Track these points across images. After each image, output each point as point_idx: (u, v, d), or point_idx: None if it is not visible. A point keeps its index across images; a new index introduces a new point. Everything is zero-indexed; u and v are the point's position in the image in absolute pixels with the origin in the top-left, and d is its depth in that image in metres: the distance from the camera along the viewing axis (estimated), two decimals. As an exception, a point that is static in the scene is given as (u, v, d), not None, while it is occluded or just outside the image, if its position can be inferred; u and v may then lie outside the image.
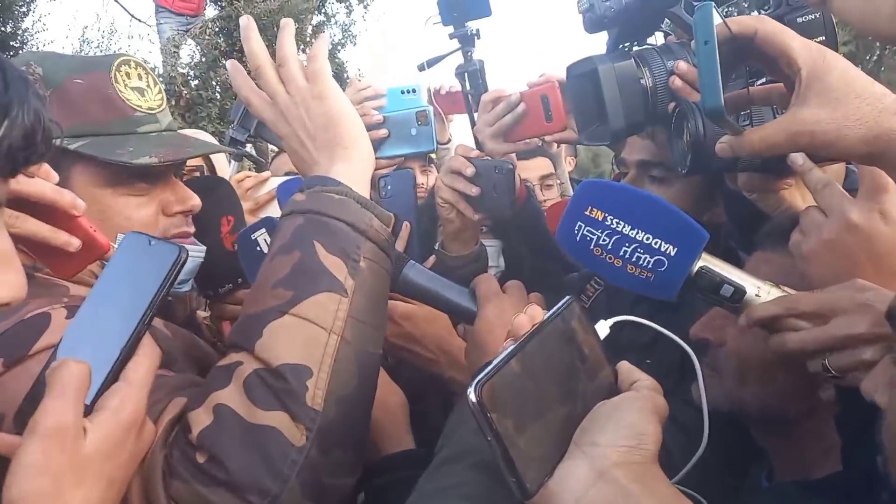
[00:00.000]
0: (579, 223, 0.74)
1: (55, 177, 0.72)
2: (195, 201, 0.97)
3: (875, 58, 8.30)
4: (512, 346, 0.56)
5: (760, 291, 0.73)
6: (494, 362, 0.53)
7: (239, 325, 0.67)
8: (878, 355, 0.64)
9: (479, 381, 0.51)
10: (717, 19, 0.67)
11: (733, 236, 1.22)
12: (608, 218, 0.72)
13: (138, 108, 0.92)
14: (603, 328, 0.68)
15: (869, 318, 0.65)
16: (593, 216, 0.73)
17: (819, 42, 0.88)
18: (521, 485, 0.52)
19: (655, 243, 0.71)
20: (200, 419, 0.60)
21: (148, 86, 0.95)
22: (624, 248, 0.72)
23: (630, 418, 0.57)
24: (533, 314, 0.64)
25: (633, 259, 0.72)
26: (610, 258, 0.73)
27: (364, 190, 0.73)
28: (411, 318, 1.01)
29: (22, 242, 0.70)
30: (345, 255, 0.66)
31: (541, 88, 1.13)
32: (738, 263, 1.16)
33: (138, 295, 0.60)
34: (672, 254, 0.71)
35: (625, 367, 0.66)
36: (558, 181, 2.03)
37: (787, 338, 0.70)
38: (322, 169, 0.73)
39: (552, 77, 1.13)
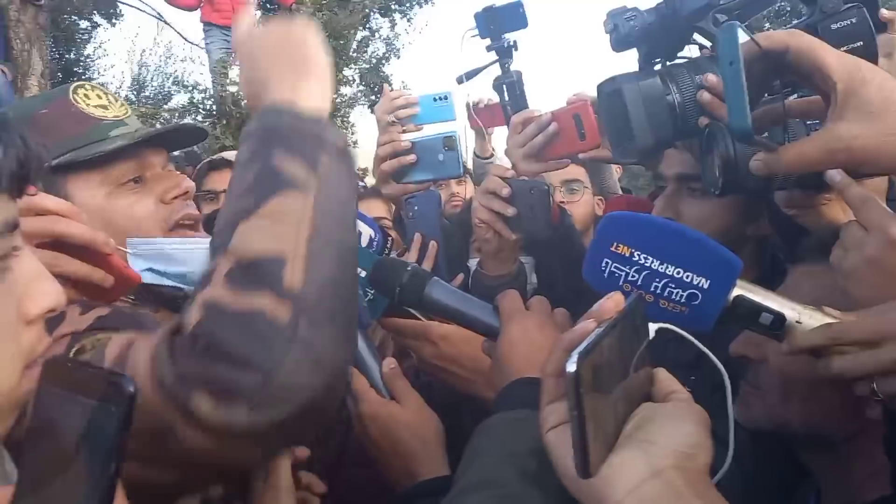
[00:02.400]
0: (606, 259, 0.72)
1: (84, 216, 0.80)
2: (189, 183, 1.01)
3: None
4: (602, 328, 0.57)
5: (802, 317, 0.69)
6: (589, 340, 0.54)
7: (214, 237, 0.70)
8: None
9: (580, 353, 0.52)
10: (743, 37, 0.66)
11: (779, 248, 1.19)
12: (635, 253, 0.70)
13: (104, 117, 0.98)
14: (651, 331, 0.67)
15: None
16: (620, 252, 0.71)
17: (857, 48, 0.85)
18: (586, 464, 0.53)
19: (687, 277, 0.69)
20: (193, 316, 0.64)
21: (109, 102, 1.01)
22: (654, 284, 0.70)
23: (689, 427, 0.58)
24: (617, 300, 0.63)
25: (665, 294, 0.70)
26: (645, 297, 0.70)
27: (321, 104, 0.75)
28: (448, 338, 1.02)
29: (63, 281, 0.76)
30: (303, 154, 0.69)
31: (573, 107, 1.13)
32: (784, 275, 1.14)
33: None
34: (705, 286, 0.69)
35: (663, 374, 0.65)
36: (585, 188, 1.99)
37: (833, 363, 0.67)
38: (277, 92, 0.75)
39: (584, 96, 1.12)
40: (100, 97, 1.01)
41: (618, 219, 0.74)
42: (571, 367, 0.51)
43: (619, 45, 0.94)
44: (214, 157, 2.29)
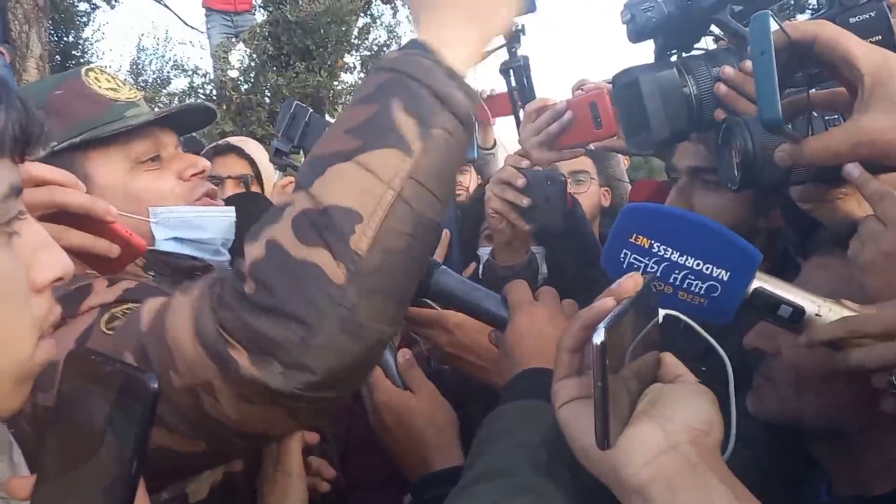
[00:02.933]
0: (625, 251, 0.71)
1: (83, 186, 0.79)
2: (205, 162, 1.02)
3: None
4: (623, 306, 0.58)
5: (821, 310, 0.69)
6: (613, 314, 0.55)
7: (305, 166, 0.69)
8: None
9: (607, 325, 0.53)
10: (773, 26, 0.66)
11: (791, 241, 1.19)
12: (655, 245, 0.70)
13: (118, 99, 0.99)
14: (660, 314, 0.68)
15: None
16: (639, 244, 0.70)
17: (875, 42, 0.85)
18: (606, 435, 0.54)
19: (706, 269, 0.69)
20: (254, 251, 0.63)
21: (118, 85, 1.02)
22: (674, 276, 0.70)
23: (704, 406, 0.59)
24: (637, 280, 0.63)
25: (685, 286, 0.70)
26: (660, 285, 0.70)
27: (465, 65, 0.70)
28: (463, 326, 1.02)
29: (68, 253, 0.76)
30: (419, 116, 0.66)
31: (590, 95, 1.13)
32: (796, 268, 1.14)
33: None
34: (725, 279, 0.69)
35: (670, 358, 0.66)
36: (592, 178, 1.98)
37: (851, 355, 0.68)
38: (430, 31, 0.71)
39: (600, 84, 1.12)
40: (109, 80, 1.02)
41: (638, 210, 0.73)
42: (599, 338, 0.52)
43: (635, 36, 0.93)
44: (219, 142, 2.28)
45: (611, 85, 1.03)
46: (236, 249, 1.04)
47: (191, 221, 0.98)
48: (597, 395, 0.54)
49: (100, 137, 0.94)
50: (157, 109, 1.03)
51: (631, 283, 0.63)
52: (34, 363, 0.56)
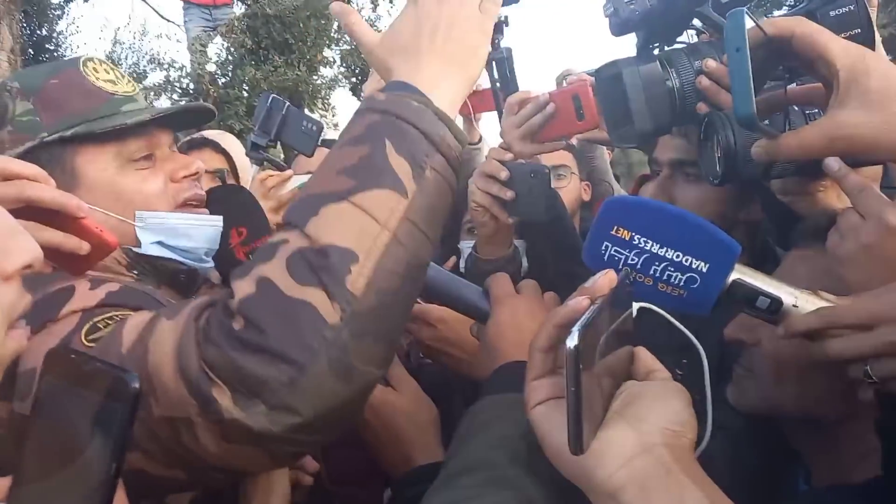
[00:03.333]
0: (606, 243, 0.72)
1: (53, 182, 0.77)
2: (199, 164, 1.00)
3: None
4: (598, 305, 0.58)
5: (798, 301, 0.70)
6: (587, 316, 0.55)
7: (296, 204, 0.67)
8: None
9: (581, 328, 0.53)
10: (749, 23, 0.66)
11: (771, 233, 1.20)
12: (635, 237, 0.71)
13: (115, 92, 0.96)
14: (634, 308, 0.69)
15: None
16: (620, 235, 0.71)
17: (854, 34, 0.86)
18: (579, 440, 0.53)
19: (686, 260, 0.70)
20: (243, 288, 0.62)
21: (117, 77, 1.00)
22: (654, 267, 0.70)
23: (677, 405, 0.59)
24: (611, 277, 0.64)
25: (664, 277, 0.70)
26: (640, 277, 0.71)
27: (451, 107, 0.71)
28: (446, 320, 1.02)
29: None
30: (412, 158, 0.66)
31: (572, 88, 1.13)
32: (775, 260, 1.15)
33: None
34: (704, 270, 0.69)
35: (643, 353, 0.66)
36: (572, 173, 1.99)
37: (828, 346, 0.69)
38: (412, 75, 0.71)
39: (584, 76, 1.12)
40: (107, 72, 0.99)
41: (619, 202, 0.74)
42: (572, 342, 0.52)
43: (618, 29, 0.93)
44: (194, 135, 2.24)
45: (593, 78, 1.03)
46: (219, 255, 1.03)
47: (176, 229, 0.96)
48: (569, 400, 0.53)
49: (94, 133, 0.91)
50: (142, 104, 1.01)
51: (605, 280, 0.63)
52: (3, 354, 0.55)
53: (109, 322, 0.72)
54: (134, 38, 10.72)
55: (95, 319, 0.73)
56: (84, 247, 0.78)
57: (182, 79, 8.40)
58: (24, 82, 0.94)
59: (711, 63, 0.87)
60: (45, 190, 0.75)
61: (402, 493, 0.89)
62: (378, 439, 0.94)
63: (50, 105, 0.92)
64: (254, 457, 0.64)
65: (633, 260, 0.71)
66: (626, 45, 0.99)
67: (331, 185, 0.65)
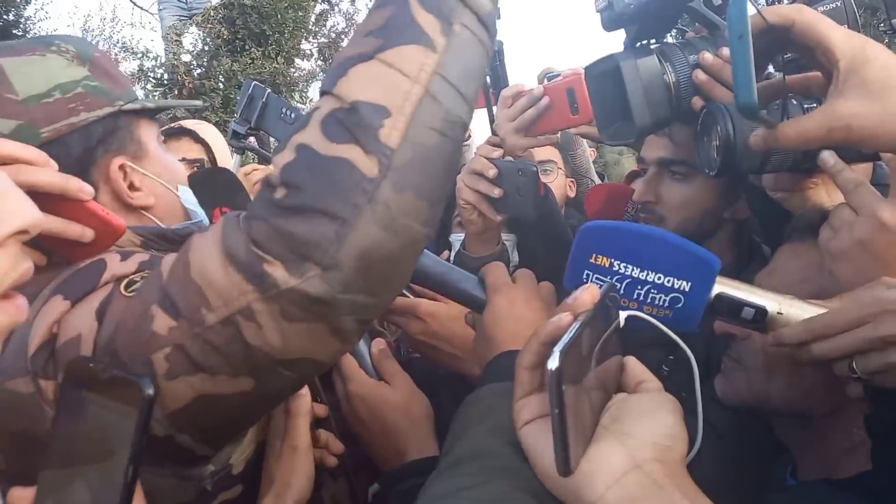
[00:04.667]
0: (587, 272, 0.71)
1: (54, 164, 0.74)
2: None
3: (885, 44, 8.18)
4: (581, 322, 0.56)
5: (782, 307, 0.71)
6: (569, 334, 0.54)
7: (329, 72, 0.68)
8: None
9: (562, 349, 0.52)
10: (751, 10, 0.66)
11: (757, 231, 1.21)
12: (615, 263, 0.70)
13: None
14: (621, 319, 0.68)
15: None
16: (600, 263, 0.71)
17: (841, 30, 0.87)
18: (566, 462, 0.53)
19: (668, 282, 0.69)
20: (284, 158, 0.63)
21: None
22: (637, 291, 0.70)
23: (667, 419, 0.59)
24: (593, 292, 0.63)
25: (648, 300, 0.70)
26: (624, 302, 0.70)
27: None
28: (436, 315, 1.01)
29: (39, 239, 0.71)
30: (439, 13, 0.66)
31: (567, 81, 1.12)
32: (762, 257, 1.16)
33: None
34: (687, 289, 0.69)
35: (633, 363, 0.66)
36: (559, 168, 1.99)
37: (813, 348, 0.69)
38: None
39: (578, 69, 1.11)
40: None
41: (594, 230, 0.73)
42: (553, 363, 0.51)
43: (611, 23, 0.93)
44: (173, 125, 2.22)
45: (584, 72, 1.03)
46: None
47: (196, 210, 0.98)
48: (554, 423, 0.52)
49: (148, 108, 0.93)
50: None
51: (587, 296, 0.62)
52: None
53: (145, 275, 0.72)
54: (105, 25, 10.51)
55: (132, 277, 0.72)
56: (87, 234, 0.75)
57: (156, 69, 8.24)
58: (77, 47, 0.91)
59: (708, 56, 0.87)
60: (45, 173, 0.72)
61: (395, 487, 0.88)
62: (370, 434, 0.93)
63: (104, 75, 0.91)
64: (317, 336, 0.63)
65: (615, 287, 0.70)
66: (614, 42, 0.98)
67: (358, 48, 0.66)
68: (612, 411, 0.60)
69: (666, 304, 0.70)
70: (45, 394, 0.67)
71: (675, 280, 0.69)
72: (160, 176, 0.92)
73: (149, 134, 0.94)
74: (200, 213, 0.99)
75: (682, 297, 0.69)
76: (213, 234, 0.64)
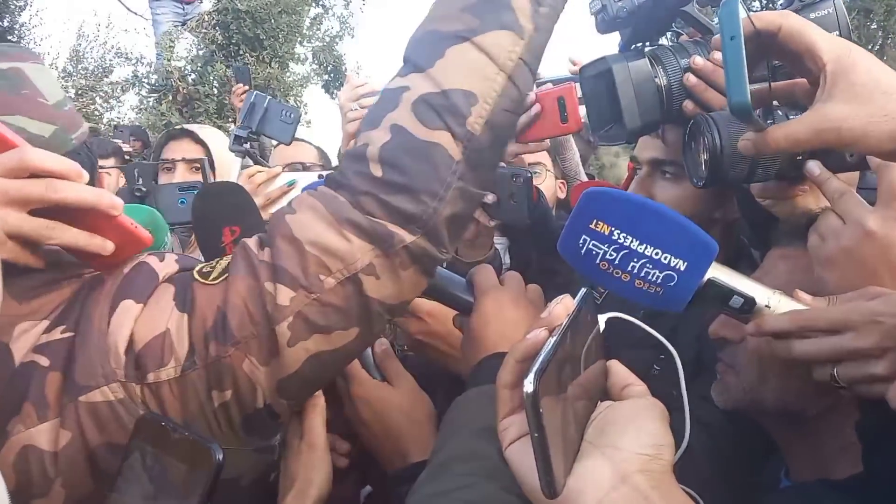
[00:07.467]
0: (584, 237, 0.70)
1: (86, 176, 0.74)
2: None
3: (877, 47, 8.25)
4: (556, 339, 0.56)
5: (771, 301, 0.71)
6: (544, 354, 0.53)
7: (420, 40, 0.73)
8: (890, 369, 0.64)
9: (536, 371, 0.51)
10: (741, 13, 0.66)
11: (746, 233, 1.22)
12: (615, 232, 0.69)
13: None
14: (601, 323, 0.68)
15: (879, 332, 0.65)
16: (599, 230, 0.70)
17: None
18: (552, 484, 0.52)
19: (665, 258, 0.69)
20: (379, 136, 0.70)
21: None
22: (632, 264, 0.69)
23: (651, 427, 0.58)
24: (567, 304, 0.63)
25: (642, 274, 0.69)
26: (617, 273, 0.70)
27: None
28: (434, 314, 1.01)
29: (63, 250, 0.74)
30: None
31: (558, 90, 1.13)
32: (750, 259, 1.16)
33: None
34: (682, 269, 0.69)
35: (617, 367, 0.66)
36: (548, 171, 2.00)
37: (795, 346, 0.70)
38: None
39: (570, 84, 1.12)
40: None
41: (600, 195, 0.72)
42: (529, 387, 0.50)
43: (605, 26, 0.94)
44: (175, 127, 2.27)
45: (578, 74, 1.03)
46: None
47: None
48: (535, 446, 0.52)
49: None
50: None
51: (561, 309, 0.62)
52: None
53: (213, 264, 0.74)
54: (99, 31, 10.48)
55: (200, 268, 0.74)
56: (108, 247, 0.75)
57: (150, 74, 8.23)
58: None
59: (699, 60, 0.88)
60: (75, 189, 0.71)
61: (398, 488, 0.88)
62: (372, 435, 0.93)
63: None
64: (416, 280, 0.73)
65: (611, 255, 0.70)
66: (608, 46, 0.99)
67: (455, 24, 0.70)
68: (596, 423, 0.60)
69: (658, 281, 0.69)
70: (135, 398, 0.67)
71: (672, 258, 0.69)
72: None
73: None
74: None
75: (675, 276, 0.69)
76: (308, 210, 0.70)
